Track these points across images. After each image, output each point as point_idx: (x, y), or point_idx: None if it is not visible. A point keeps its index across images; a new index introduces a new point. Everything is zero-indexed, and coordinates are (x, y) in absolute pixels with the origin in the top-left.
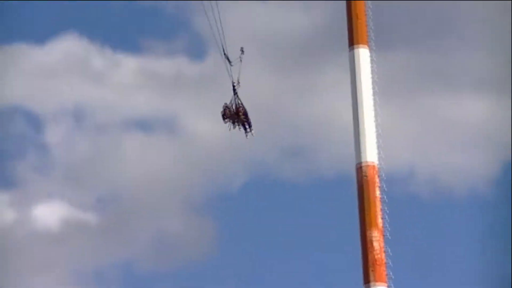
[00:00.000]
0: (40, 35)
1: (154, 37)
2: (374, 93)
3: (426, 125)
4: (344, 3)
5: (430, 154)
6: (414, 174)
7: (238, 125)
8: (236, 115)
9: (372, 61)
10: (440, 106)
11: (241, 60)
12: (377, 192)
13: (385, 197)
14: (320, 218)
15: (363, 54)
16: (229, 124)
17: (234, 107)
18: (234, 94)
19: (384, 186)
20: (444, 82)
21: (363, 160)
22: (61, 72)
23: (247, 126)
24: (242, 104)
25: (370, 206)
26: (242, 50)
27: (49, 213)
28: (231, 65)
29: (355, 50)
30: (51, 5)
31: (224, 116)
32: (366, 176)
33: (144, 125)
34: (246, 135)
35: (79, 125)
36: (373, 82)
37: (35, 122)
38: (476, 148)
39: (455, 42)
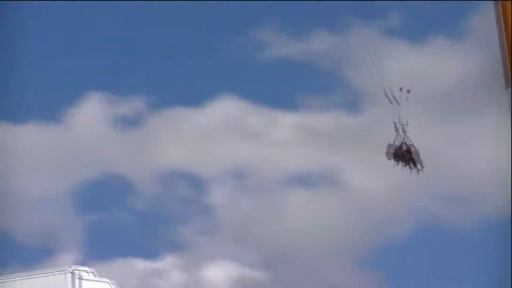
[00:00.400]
0: (198, 97)
1: (309, 92)
2: None
3: None
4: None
5: None
6: None
7: (409, 164)
8: (408, 155)
9: None
10: None
11: (407, 99)
12: None
13: None
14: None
15: None
16: (400, 164)
17: (397, 146)
18: (396, 132)
19: None
20: None
21: None
22: (219, 133)
23: (418, 164)
24: (412, 144)
25: None
26: (403, 90)
27: (218, 274)
28: (398, 104)
29: None
30: (205, 67)
31: (395, 156)
32: None
33: (305, 181)
34: (418, 173)
35: (240, 185)
36: None
37: (197, 184)
38: None
39: None
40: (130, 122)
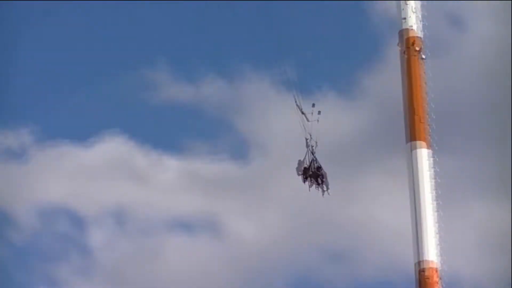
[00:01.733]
0: (85, 134)
1: (196, 138)
2: (437, 196)
3: (477, 233)
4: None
5: (477, 263)
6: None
7: (317, 183)
8: (315, 176)
9: (434, 162)
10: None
11: (318, 121)
12: None
13: None
14: None
15: (423, 154)
16: (308, 183)
17: (312, 164)
18: (307, 148)
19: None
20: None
21: (421, 259)
22: (104, 172)
23: (324, 187)
24: (320, 166)
25: None
26: (319, 112)
27: None
28: (308, 121)
29: (417, 150)
30: (95, 104)
31: (305, 175)
32: (427, 277)
33: (187, 227)
34: (323, 194)
35: (120, 226)
36: (436, 184)
37: (78, 223)
38: None
39: None
40: (14, 155)
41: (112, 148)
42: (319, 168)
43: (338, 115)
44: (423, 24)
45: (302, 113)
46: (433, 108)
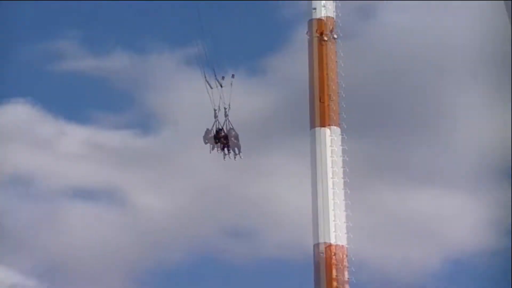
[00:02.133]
0: None
1: (103, 109)
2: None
3: (378, 215)
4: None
5: (379, 245)
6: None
7: (222, 147)
8: (225, 139)
9: (342, 140)
10: (393, 199)
11: (231, 84)
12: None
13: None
14: None
15: (330, 133)
16: (209, 146)
17: (214, 131)
18: (215, 119)
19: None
20: (403, 174)
21: (320, 240)
22: (9, 139)
23: (236, 150)
24: (233, 128)
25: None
26: (233, 76)
27: None
28: (221, 87)
29: (322, 129)
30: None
31: (215, 137)
32: (322, 253)
33: (89, 195)
34: (235, 157)
35: (23, 192)
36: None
37: None
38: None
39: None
40: None
41: (17, 115)
42: (231, 129)
43: (247, 96)
44: (336, 5)
45: (207, 82)
46: (343, 87)
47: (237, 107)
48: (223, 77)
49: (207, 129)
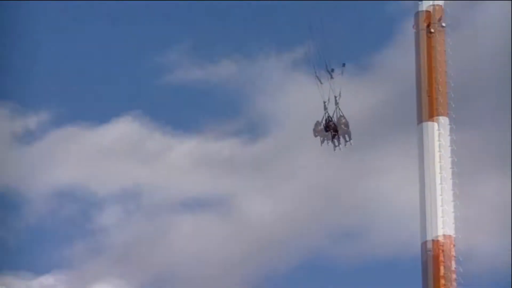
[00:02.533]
0: (100, 116)
1: (209, 118)
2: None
3: (491, 205)
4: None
5: (490, 235)
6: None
7: (333, 139)
8: (336, 126)
9: (451, 130)
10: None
11: (342, 73)
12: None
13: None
14: None
15: (438, 127)
16: (320, 139)
17: (324, 123)
18: (325, 111)
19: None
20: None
21: (428, 238)
22: (119, 153)
23: (346, 137)
24: (331, 118)
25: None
26: (343, 64)
27: None
28: (332, 78)
29: (429, 123)
30: (112, 87)
31: (327, 129)
32: (430, 251)
33: (199, 205)
34: (345, 144)
35: (134, 205)
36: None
37: (92, 203)
38: None
39: None
40: (31, 135)
41: (126, 130)
42: (341, 117)
43: (354, 93)
44: None
45: (317, 77)
46: (452, 76)
47: (345, 103)
48: (332, 70)
49: (317, 121)
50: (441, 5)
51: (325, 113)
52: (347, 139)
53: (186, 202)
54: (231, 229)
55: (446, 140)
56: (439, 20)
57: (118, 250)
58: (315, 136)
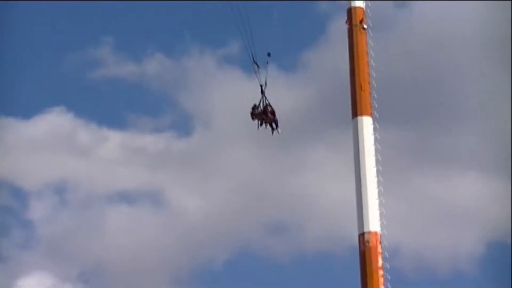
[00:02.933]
0: (27, 110)
1: (140, 113)
2: (377, 164)
3: (415, 202)
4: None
5: (416, 232)
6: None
7: (266, 124)
8: (264, 114)
9: (375, 130)
10: (431, 185)
11: (267, 63)
12: (380, 261)
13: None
14: None
15: (367, 123)
16: (257, 122)
17: (262, 107)
18: (262, 95)
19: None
20: (438, 162)
21: (365, 229)
22: (46, 147)
23: (274, 125)
24: (270, 104)
25: (372, 273)
26: (269, 54)
27: (33, 286)
28: (258, 67)
29: (359, 118)
30: (38, 80)
31: (253, 115)
32: (368, 242)
33: (129, 199)
34: (272, 133)
35: (64, 199)
36: (376, 151)
37: (20, 196)
38: (463, 228)
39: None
40: None
41: (56, 124)
42: (267, 105)
43: (283, 90)
44: None
45: (254, 62)
46: (374, 77)
47: (277, 98)
48: (269, 54)
49: (254, 105)
50: (362, 7)
51: (262, 97)
52: (274, 127)
53: (116, 196)
54: (161, 222)
55: (369, 138)
56: (361, 22)
57: (47, 244)
58: (253, 119)
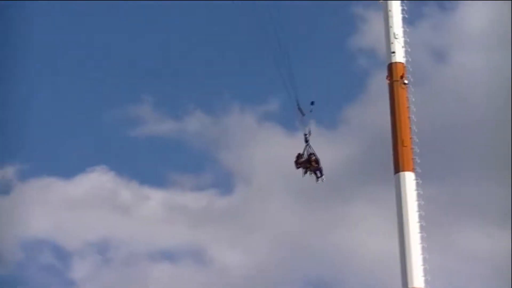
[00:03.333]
0: (69, 169)
1: (181, 171)
2: (420, 219)
3: (459, 258)
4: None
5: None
6: None
7: (310, 172)
8: (308, 163)
9: (417, 185)
10: (475, 240)
11: (311, 111)
12: None
13: None
14: None
15: (409, 178)
16: (302, 171)
17: (306, 155)
18: (306, 144)
19: None
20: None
21: (409, 286)
22: (89, 206)
23: (318, 173)
24: (314, 153)
25: None
26: (312, 103)
27: None
28: (303, 115)
29: (401, 174)
30: (79, 139)
31: (297, 163)
32: None
33: (171, 257)
34: (317, 180)
35: (106, 258)
36: (419, 207)
37: (62, 255)
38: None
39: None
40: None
41: (97, 182)
42: (311, 154)
43: (324, 146)
44: (405, 50)
45: (299, 109)
46: (415, 132)
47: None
48: (312, 102)
49: (299, 153)
50: (402, 63)
51: (306, 145)
52: (319, 175)
53: (158, 254)
54: (204, 280)
55: (413, 193)
56: (401, 77)
57: None
58: (297, 168)
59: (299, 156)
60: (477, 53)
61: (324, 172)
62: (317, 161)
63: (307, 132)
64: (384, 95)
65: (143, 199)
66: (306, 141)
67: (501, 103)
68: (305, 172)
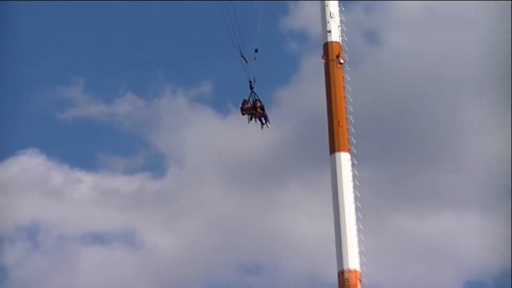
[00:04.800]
0: None
1: (112, 154)
2: (356, 200)
3: (394, 240)
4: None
5: (395, 270)
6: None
7: (255, 118)
8: (254, 109)
9: (353, 166)
10: (410, 223)
11: (255, 58)
12: None
13: None
14: None
15: (345, 159)
16: (247, 118)
17: (251, 102)
18: (251, 91)
19: None
20: (415, 199)
21: (345, 267)
22: (19, 189)
23: (263, 119)
24: (259, 99)
25: None
26: (256, 50)
27: None
28: (246, 63)
29: (337, 154)
30: (10, 122)
31: (243, 109)
32: (347, 280)
33: (102, 240)
34: (262, 127)
35: (36, 241)
36: (355, 188)
37: None
38: (441, 266)
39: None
40: None
41: (29, 165)
42: (257, 101)
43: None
44: (341, 30)
45: (242, 56)
46: (351, 111)
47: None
48: (256, 50)
49: (244, 100)
50: (338, 41)
51: (251, 93)
52: (264, 121)
53: (89, 237)
54: (135, 262)
55: (348, 174)
56: (337, 57)
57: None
58: (243, 114)
59: (245, 102)
60: (411, 34)
61: (269, 120)
62: (262, 108)
63: (251, 80)
64: (317, 76)
65: (74, 182)
66: (251, 88)
67: (434, 84)
68: (250, 119)
